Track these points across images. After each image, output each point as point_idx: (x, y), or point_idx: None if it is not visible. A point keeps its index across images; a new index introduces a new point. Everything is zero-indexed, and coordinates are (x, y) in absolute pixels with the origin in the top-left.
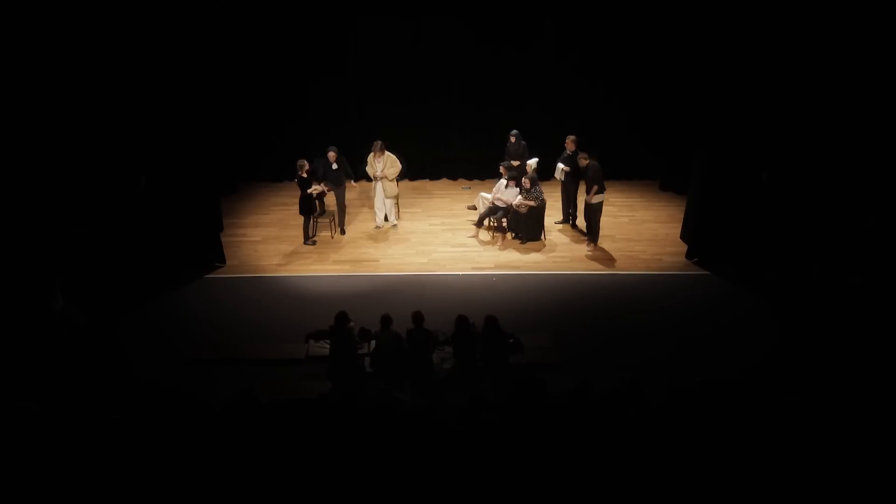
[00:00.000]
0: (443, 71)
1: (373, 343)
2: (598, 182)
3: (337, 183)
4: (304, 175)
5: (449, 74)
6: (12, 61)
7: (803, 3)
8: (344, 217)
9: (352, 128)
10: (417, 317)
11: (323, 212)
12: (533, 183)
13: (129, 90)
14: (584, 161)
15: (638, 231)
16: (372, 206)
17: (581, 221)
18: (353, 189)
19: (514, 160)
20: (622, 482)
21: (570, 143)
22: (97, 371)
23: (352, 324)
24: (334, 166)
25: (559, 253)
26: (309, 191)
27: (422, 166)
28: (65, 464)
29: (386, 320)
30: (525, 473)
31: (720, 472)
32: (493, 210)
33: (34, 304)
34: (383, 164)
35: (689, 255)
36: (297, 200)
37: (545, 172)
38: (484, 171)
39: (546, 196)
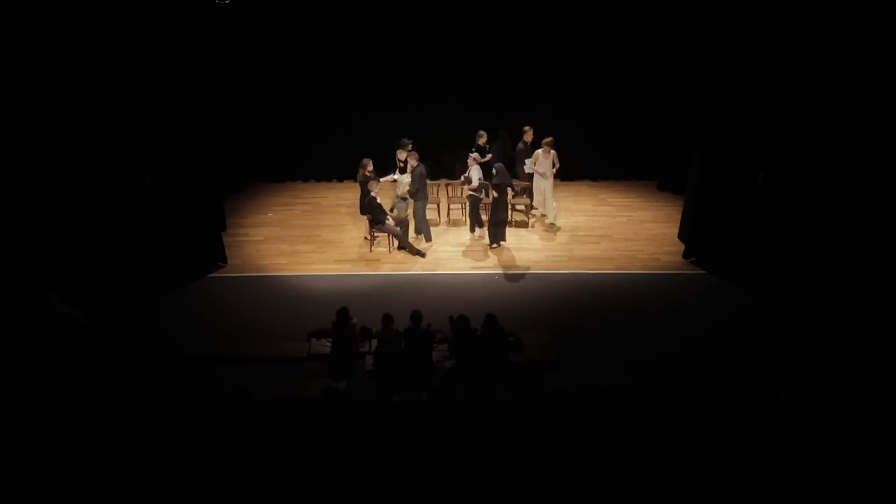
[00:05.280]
0: (442, 72)
1: (374, 342)
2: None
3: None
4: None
5: (448, 75)
6: (16, 61)
7: (800, 3)
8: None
9: (353, 128)
10: (415, 316)
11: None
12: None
13: (133, 91)
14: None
15: (636, 231)
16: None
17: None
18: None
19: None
20: (622, 480)
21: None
22: (99, 370)
23: (354, 321)
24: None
25: (558, 252)
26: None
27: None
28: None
29: (387, 319)
30: (525, 472)
31: (718, 470)
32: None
33: (32, 304)
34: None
35: (686, 255)
36: (302, 201)
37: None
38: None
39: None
